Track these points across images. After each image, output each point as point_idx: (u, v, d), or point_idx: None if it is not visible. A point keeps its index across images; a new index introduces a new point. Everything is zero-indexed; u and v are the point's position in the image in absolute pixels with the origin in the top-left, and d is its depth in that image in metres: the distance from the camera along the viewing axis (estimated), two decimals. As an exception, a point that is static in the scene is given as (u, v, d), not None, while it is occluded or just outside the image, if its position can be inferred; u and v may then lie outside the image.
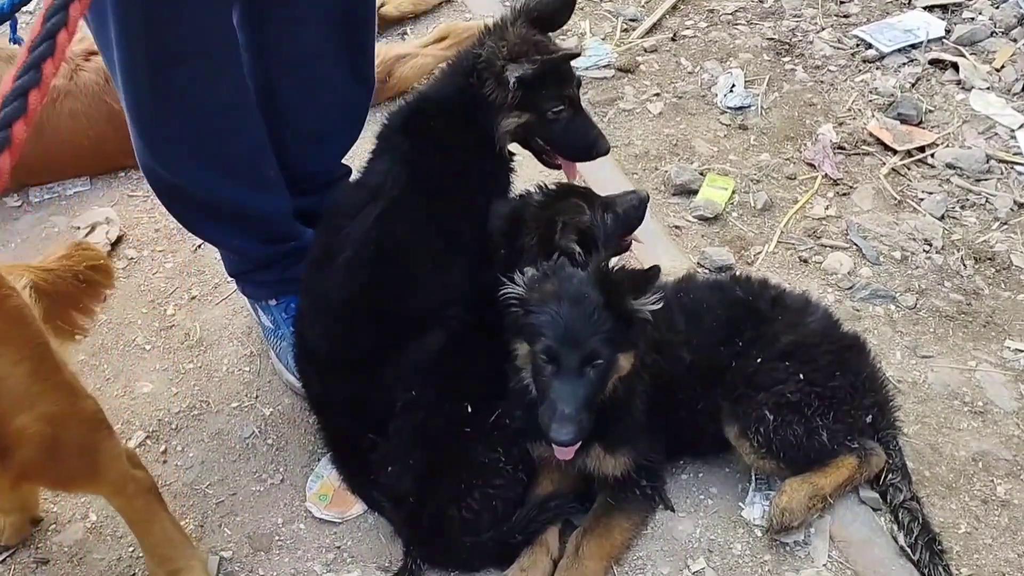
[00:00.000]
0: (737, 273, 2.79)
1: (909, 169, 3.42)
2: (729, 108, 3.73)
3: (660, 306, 2.12)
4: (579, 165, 2.62)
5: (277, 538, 2.41)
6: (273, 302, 2.78)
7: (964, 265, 3.04)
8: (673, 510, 2.38)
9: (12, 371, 1.79)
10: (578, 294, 2.09)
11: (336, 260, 2.39)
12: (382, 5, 4.16)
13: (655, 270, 2.11)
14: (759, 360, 2.36)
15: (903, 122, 3.58)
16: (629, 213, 2.45)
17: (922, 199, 3.28)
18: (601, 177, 3.28)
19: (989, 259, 3.05)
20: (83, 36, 2.98)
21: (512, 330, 2.19)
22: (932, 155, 3.45)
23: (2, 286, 1.82)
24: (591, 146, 2.49)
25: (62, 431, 1.91)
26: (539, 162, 2.58)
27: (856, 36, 4.04)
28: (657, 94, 3.84)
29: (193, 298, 3.08)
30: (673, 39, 4.14)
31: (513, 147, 2.52)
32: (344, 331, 2.41)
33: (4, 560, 2.37)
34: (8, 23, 2.11)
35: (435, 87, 2.53)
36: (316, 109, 2.69)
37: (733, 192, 3.34)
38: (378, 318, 2.37)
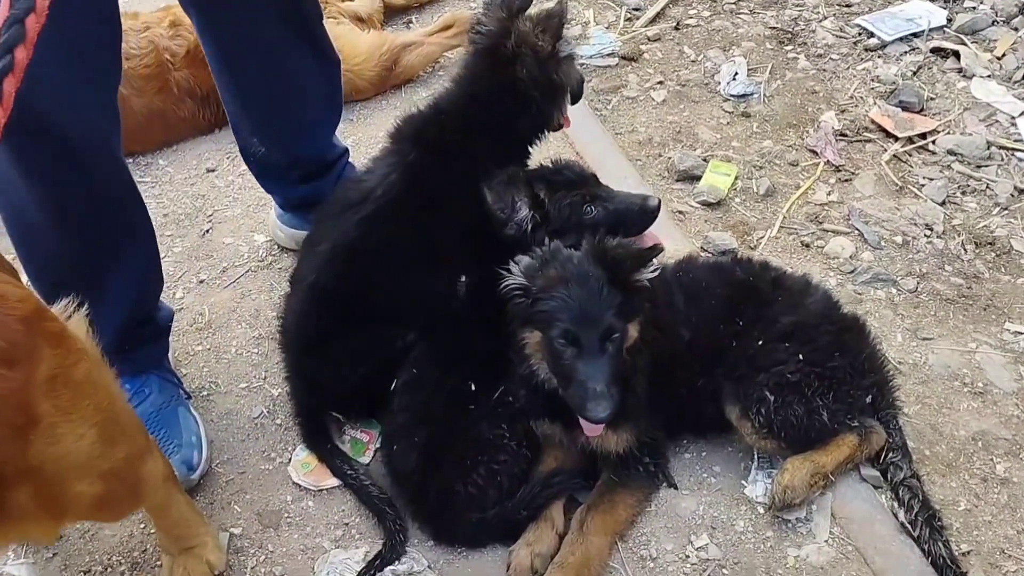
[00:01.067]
0: (738, 255, 2.82)
1: (910, 156, 3.45)
2: (732, 96, 3.76)
3: (657, 274, 2.17)
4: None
5: (286, 515, 2.44)
6: None
7: (965, 249, 3.07)
8: (676, 487, 2.41)
9: (77, 445, 1.65)
10: (583, 274, 2.12)
11: (316, 249, 2.50)
12: (387, -6, 4.19)
13: (658, 248, 2.15)
14: (760, 341, 2.39)
15: (905, 109, 3.61)
16: (624, 214, 2.45)
17: (923, 185, 3.31)
18: (605, 163, 3.32)
19: (989, 244, 3.08)
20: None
21: (519, 320, 2.20)
22: (933, 142, 3.48)
23: (70, 350, 1.65)
24: (582, 80, 2.61)
25: (117, 481, 1.82)
26: (550, 131, 2.62)
27: (858, 25, 4.07)
28: (660, 82, 3.87)
29: (201, 282, 3.12)
30: (676, 28, 4.17)
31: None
32: (307, 312, 2.50)
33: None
34: None
35: (461, 103, 2.50)
36: (289, 92, 2.73)
37: (736, 178, 3.37)
38: (339, 308, 2.44)
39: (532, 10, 2.46)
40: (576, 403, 2.13)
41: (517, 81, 2.39)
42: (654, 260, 2.16)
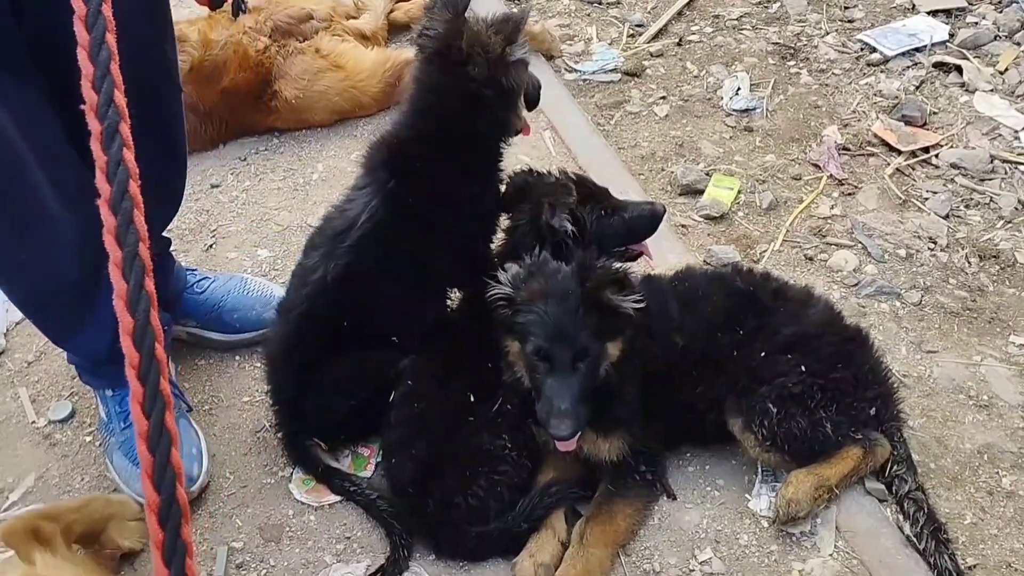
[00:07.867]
0: (738, 265, 2.81)
1: (914, 169, 3.45)
2: (735, 110, 3.77)
3: (642, 305, 2.16)
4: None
5: (288, 529, 2.43)
6: (110, 392, 2.62)
7: (969, 262, 3.06)
8: (674, 497, 2.40)
9: None
10: (563, 291, 2.14)
11: (307, 279, 2.46)
12: (392, 11, 4.21)
13: (627, 276, 2.20)
14: (761, 352, 2.38)
15: (907, 123, 3.61)
16: (636, 221, 2.50)
17: (927, 198, 3.31)
18: (608, 178, 3.31)
19: (993, 257, 3.07)
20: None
21: (502, 328, 2.23)
22: (936, 156, 3.48)
23: None
24: (538, 87, 2.51)
25: None
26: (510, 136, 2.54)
27: (860, 40, 4.09)
28: (663, 97, 3.88)
29: (205, 296, 3.11)
30: (679, 44, 4.19)
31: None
32: (297, 341, 2.47)
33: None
34: None
35: (418, 121, 2.43)
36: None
37: (739, 192, 3.37)
38: (332, 336, 2.43)
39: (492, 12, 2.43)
40: (542, 419, 2.18)
41: (469, 82, 2.30)
42: (635, 283, 2.18)
